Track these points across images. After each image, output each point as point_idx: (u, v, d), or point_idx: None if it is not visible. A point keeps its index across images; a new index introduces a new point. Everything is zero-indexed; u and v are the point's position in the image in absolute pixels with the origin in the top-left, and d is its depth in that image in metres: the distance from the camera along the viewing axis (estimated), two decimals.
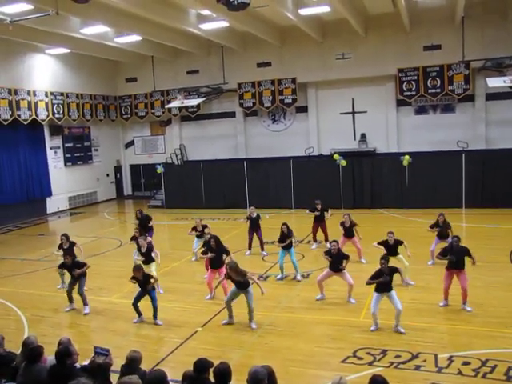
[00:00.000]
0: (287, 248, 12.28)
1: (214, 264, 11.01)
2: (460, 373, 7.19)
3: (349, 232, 13.37)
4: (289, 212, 21.71)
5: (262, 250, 14.83)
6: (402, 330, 8.64)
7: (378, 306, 8.80)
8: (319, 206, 15.13)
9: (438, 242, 12.66)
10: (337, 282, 12.07)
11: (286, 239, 12.26)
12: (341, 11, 18.39)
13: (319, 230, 15.32)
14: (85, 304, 10.65)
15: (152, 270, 11.36)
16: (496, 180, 19.69)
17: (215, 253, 10.94)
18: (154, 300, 9.74)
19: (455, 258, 9.50)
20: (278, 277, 12.42)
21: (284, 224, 12.46)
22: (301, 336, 8.81)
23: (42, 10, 14.92)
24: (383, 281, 8.64)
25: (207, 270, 11.70)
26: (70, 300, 10.83)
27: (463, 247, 9.76)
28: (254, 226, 14.84)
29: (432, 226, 12.95)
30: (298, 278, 12.29)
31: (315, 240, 15.50)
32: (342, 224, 13.53)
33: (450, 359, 7.57)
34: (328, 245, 15.15)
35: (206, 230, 13.38)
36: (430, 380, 7.05)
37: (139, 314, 9.86)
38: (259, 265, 13.60)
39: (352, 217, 13.55)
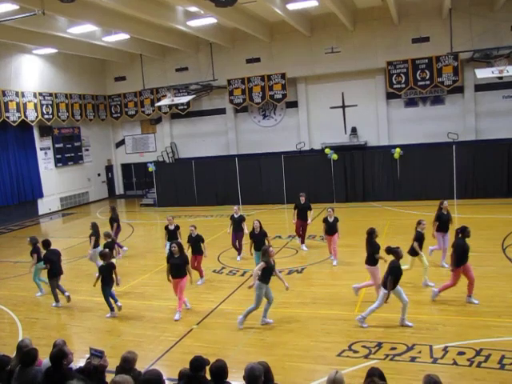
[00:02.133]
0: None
1: (177, 273, 9.83)
2: (455, 363, 7.24)
3: (332, 229, 12.42)
4: (281, 207, 21.72)
5: (239, 254, 13.66)
6: (410, 324, 8.56)
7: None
8: (303, 199, 14.07)
9: (443, 236, 11.57)
10: (330, 276, 12.13)
11: (258, 238, 11.44)
12: (328, 5, 18.36)
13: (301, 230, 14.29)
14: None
15: None
16: (487, 170, 19.83)
17: (177, 260, 9.77)
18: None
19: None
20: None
21: (257, 220, 11.77)
22: (296, 331, 8.82)
23: (27, 10, 14.79)
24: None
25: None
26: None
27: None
28: (237, 227, 13.36)
29: (437, 219, 11.58)
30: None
31: (300, 237, 14.50)
32: (326, 220, 12.53)
33: (445, 350, 7.62)
34: (304, 247, 14.44)
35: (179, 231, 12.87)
36: (426, 371, 7.07)
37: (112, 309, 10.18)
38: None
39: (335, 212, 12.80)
